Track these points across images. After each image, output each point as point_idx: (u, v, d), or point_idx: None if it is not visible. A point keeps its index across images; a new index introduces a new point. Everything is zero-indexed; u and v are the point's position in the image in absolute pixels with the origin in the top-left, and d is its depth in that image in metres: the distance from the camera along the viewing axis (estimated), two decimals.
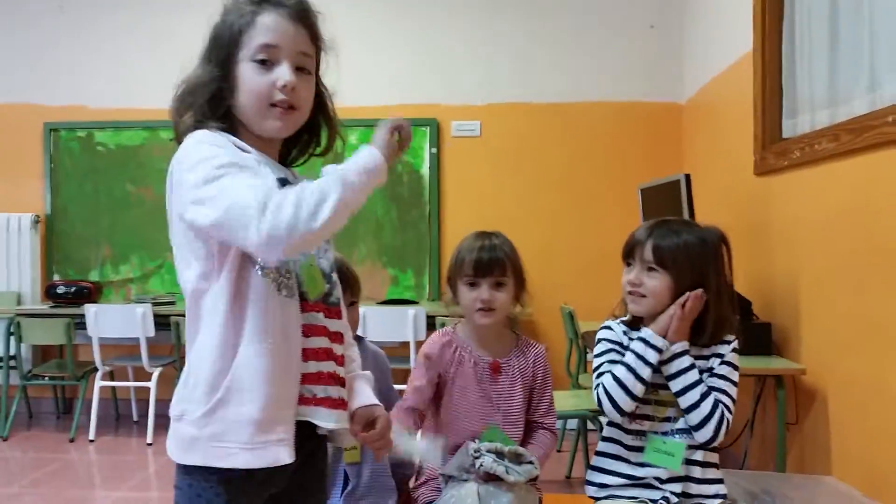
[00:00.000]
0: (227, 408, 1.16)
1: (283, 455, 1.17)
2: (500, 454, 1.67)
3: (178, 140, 1.25)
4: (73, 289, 4.53)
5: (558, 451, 3.84)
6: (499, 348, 1.86)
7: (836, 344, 2.42)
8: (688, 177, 3.10)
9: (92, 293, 4.52)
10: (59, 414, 4.80)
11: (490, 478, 1.66)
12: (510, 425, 1.79)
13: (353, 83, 4.63)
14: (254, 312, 1.17)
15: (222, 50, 1.25)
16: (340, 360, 1.31)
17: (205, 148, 1.16)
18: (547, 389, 1.89)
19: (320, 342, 1.26)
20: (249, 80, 1.24)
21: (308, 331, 1.24)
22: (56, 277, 4.82)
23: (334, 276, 1.33)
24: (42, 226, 4.83)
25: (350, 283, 1.86)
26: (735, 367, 1.73)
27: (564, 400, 3.26)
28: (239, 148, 1.21)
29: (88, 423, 4.21)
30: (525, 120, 4.63)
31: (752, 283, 3.08)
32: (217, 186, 1.10)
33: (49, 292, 4.55)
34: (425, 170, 4.70)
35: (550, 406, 1.89)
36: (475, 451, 1.67)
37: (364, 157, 1.19)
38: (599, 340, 1.79)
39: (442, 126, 4.68)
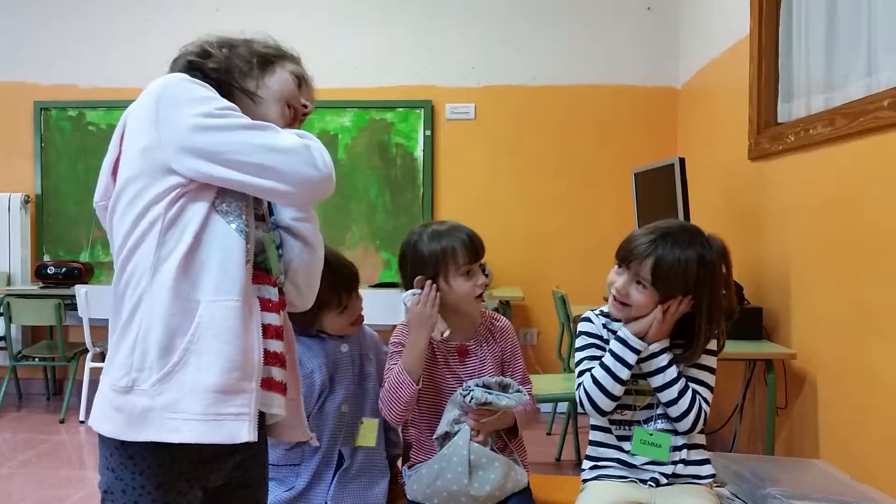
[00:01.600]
0: (184, 372, 1.06)
1: (241, 431, 1.08)
2: (487, 387, 1.69)
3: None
4: (63, 269, 4.51)
5: (548, 434, 3.85)
6: (465, 331, 1.85)
7: (826, 329, 2.42)
8: (682, 160, 3.08)
9: (82, 274, 4.50)
10: (50, 395, 4.78)
11: (482, 412, 1.68)
12: None
13: (347, 65, 4.64)
14: (216, 266, 1.09)
15: (268, 50, 1.36)
16: (283, 335, 1.27)
17: (201, 90, 1.17)
18: (517, 360, 1.89)
19: (273, 318, 1.21)
20: (286, 79, 1.35)
21: (263, 305, 1.19)
22: (46, 258, 4.79)
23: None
24: (32, 206, 4.79)
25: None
26: (712, 353, 1.72)
27: (555, 383, 3.26)
28: None
29: (79, 405, 4.21)
30: (520, 103, 4.60)
31: (744, 267, 3.08)
32: (248, 130, 1.15)
33: (39, 273, 4.53)
34: (419, 153, 4.68)
35: (525, 374, 1.90)
36: (464, 390, 1.68)
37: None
38: (580, 334, 1.79)
39: (436, 108, 4.66)
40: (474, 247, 1.78)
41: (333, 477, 1.78)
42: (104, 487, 1.12)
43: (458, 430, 1.71)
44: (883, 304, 2.07)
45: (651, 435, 1.67)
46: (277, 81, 1.32)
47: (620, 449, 1.72)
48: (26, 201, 4.73)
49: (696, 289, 1.63)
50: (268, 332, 1.19)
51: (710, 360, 1.72)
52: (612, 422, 1.72)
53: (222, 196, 1.14)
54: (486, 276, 1.84)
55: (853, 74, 2.37)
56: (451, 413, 1.74)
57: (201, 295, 1.09)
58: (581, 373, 1.72)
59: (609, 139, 4.54)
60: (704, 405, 1.67)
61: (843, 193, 2.32)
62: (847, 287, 2.28)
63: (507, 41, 4.61)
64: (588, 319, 1.79)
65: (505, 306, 3.99)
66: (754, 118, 3.03)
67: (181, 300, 1.08)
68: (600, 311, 1.80)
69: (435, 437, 1.76)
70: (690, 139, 4.22)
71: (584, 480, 1.76)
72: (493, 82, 4.63)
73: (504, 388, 1.71)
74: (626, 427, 1.71)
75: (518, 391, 1.71)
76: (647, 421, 1.70)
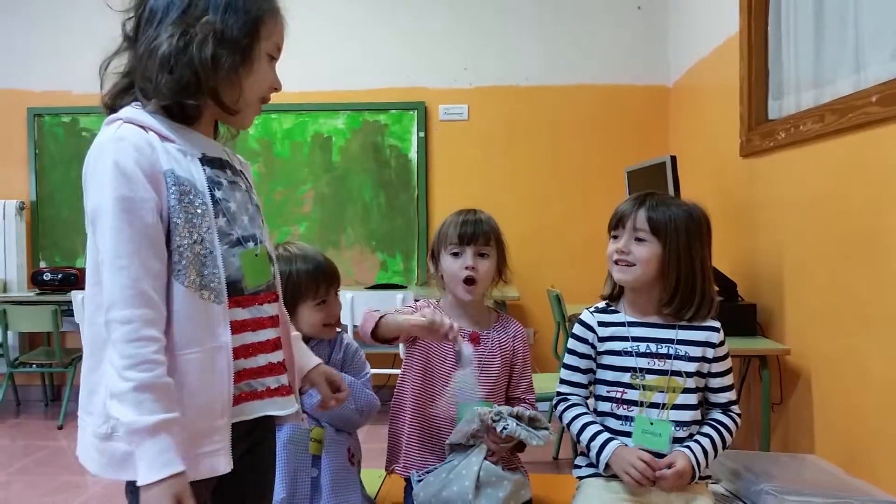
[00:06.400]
0: None
1: (219, 465, 1.14)
2: (519, 418, 1.68)
3: (111, 101, 1.23)
4: (59, 275, 4.51)
5: None
6: (479, 323, 1.86)
7: (819, 324, 2.44)
8: (673, 158, 3.10)
9: (79, 280, 4.50)
10: (48, 401, 4.78)
11: (505, 440, 1.67)
12: (484, 397, 1.79)
13: (340, 67, 4.64)
14: (175, 321, 1.12)
15: (244, 30, 1.18)
16: (281, 343, 1.30)
17: (119, 179, 1.09)
18: (527, 367, 1.90)
19: (268, 334, 1.25)
20: (264, 73, 1.22)
21: (253, 325, 1.22)
22: (42, 264, 4.79)
23: (275, 260, 1.33)
24: (27, 212, 4.79)
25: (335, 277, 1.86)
26: (729, 355, 1.75)
27: (552, 382, 3.25)
28: (162, 139, 1.16)
29: (77, 410, 4.19)
30: (513, 103, 4.62)
31: (737, 264, 3.10)
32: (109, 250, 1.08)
33: (35, 279, 4.53)
34: (413, 154, 4.69)
35: (531, 383, 1.91)
36: (496, 415, 1.67)
37: (153, 455, 1.05)
38: (571, 335, 1.79)
39: (430, 110, 4.67)
40: (465, 230, 1.79)
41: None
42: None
43: (474, 445, 1.70)
44: (875, 299, 2.08)
45: (652, 424, 1.66)
46: (255, 85, 1.23)
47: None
48: (21, 208, 4.73)
49: (690, 240, 1.66)
50: (266, 346, 1.24)
51: (724, 364, 1.74)
52: (616, 417, 1.71)
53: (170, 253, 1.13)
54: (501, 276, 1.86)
55: (842, 70, 2.39)
56: (469, 425, 1.71)
57: (167, 348, 1.10)
58: (562, 398, 1.78)
59: (601, 138, 4.56)
60: (736, 419, 1.74)
61: (834, 188, 2.33)
62: (840, 282, 2.29)
63: (499, 42, 4.62)
64: (581, 321, 1.79)
65: (500, 306, 4.00)
66: (745, 115, 3.05)
67: None
68: (595, 307, 1.80)
69: (448, 442, 1.76)
70: (682, 137, 4.24)
71: (580, 477, 1.76)
72: (485, 83, 4.64)
73: (532, 421, 1.70)
74: (630, 423, 1.69)
75: (545, 428, 1.70)
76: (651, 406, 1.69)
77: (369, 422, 1.87)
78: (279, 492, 1.71)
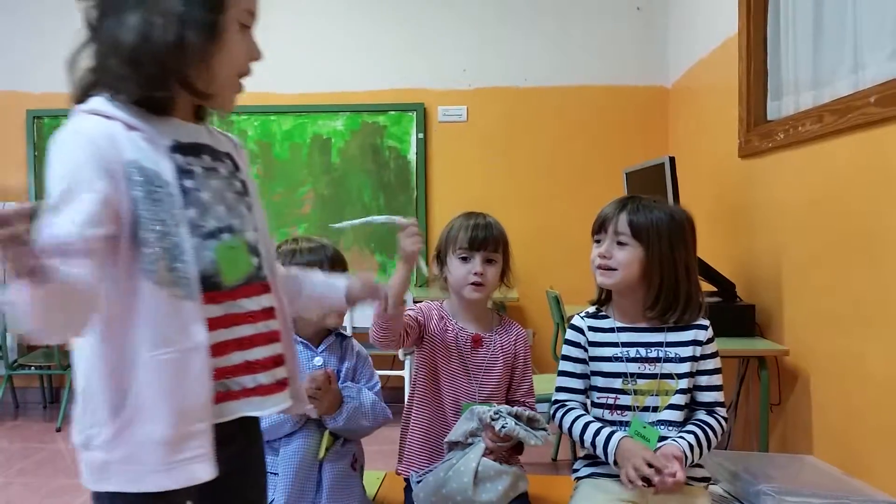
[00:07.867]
0: (134, 428, 1.07)
1: (201, 472, 1.09)
2: (518, 417, 1.69)
3: (79, 97, 1.16)
4: None
5: None
6: (482, 325, 1.88)
7: (818, 325, 2.43)
8: (672, 159, 3.09)
9: None
10: (46, 404, 4.78)
11: (504, 439, 1.67)
12: (486, 399, 1.80)
13: (339, 69, 4.64)
14: (144, 322, 1.06)
15: (208, 4, 1.09)
16: (277, 335, 1.23)
17: (70, 159, 1.05)
18: (528, 370, 1.91)
19: (244, 330, 1.17)
20: (237, 45, 1.13)
21: (230, 321, 1.15)
22: None
23: (261, 248, 1.23)
24: None
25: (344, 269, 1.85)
26: (717, 354, 1.73)
27: (551, 383, 3.25)
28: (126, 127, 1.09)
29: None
30: (512, 104, 4.61)
31: (736, 265, 3.10)
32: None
33: None
34: (412, 155, 4.68)
35: (531, 386, 1.92)
36: (495, 414, 1.67)
37: None
38: (565, 341, 1.80)
39: (429, 111, 4.67)
40: (475, 235, 1.79)
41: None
42: None
43: (472, 443, 1.71)
44: (874, 299, 2.08)
45: (644, 428, 1.66)
46: (228, 60, 1.13)
47: None
48: None
49: (673, 243, 1.66)
50: (242, 343, 1.17)
51: (718, 366, 1.72)
52: (612, 423, 1.71)
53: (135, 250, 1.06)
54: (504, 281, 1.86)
55: (840, 71, 2.38)
56: (468, 424, 1.72)
57: (136, 354, 1.06)
58: (559, 405, 1.77)
59: (600, 139, 4.55)
60: (723, 421, 1.70)
61: (832, 189, 2.33)
62: (838, 282, 2.29)
63: (498, 43, 4.62)
64: (573, 326, 1.79)
65: (500, 307, 3.99)
66: (744, 116, 3.05)
67: (123, 363, 1.06)
68: (585, 312, 1.81)
69: (446, 440, 1.76)
70: (681, 138, 4.24)
71: (578, 478, 1.76)
72: (484, 84, 4.64)
73: (531, 421, 1.71)
74: (623, 428, 1.70)
75: (543, 428, 1.71)
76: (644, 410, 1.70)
77: None
78: (280, 499, 1.71)
